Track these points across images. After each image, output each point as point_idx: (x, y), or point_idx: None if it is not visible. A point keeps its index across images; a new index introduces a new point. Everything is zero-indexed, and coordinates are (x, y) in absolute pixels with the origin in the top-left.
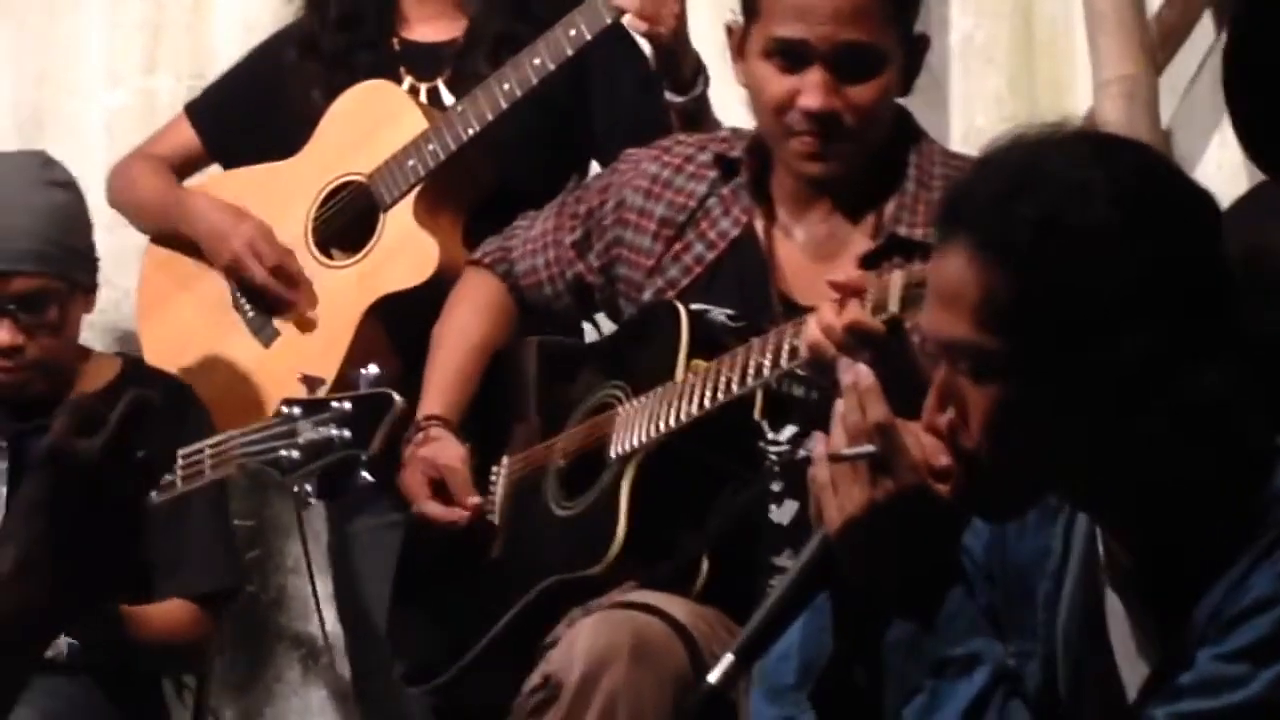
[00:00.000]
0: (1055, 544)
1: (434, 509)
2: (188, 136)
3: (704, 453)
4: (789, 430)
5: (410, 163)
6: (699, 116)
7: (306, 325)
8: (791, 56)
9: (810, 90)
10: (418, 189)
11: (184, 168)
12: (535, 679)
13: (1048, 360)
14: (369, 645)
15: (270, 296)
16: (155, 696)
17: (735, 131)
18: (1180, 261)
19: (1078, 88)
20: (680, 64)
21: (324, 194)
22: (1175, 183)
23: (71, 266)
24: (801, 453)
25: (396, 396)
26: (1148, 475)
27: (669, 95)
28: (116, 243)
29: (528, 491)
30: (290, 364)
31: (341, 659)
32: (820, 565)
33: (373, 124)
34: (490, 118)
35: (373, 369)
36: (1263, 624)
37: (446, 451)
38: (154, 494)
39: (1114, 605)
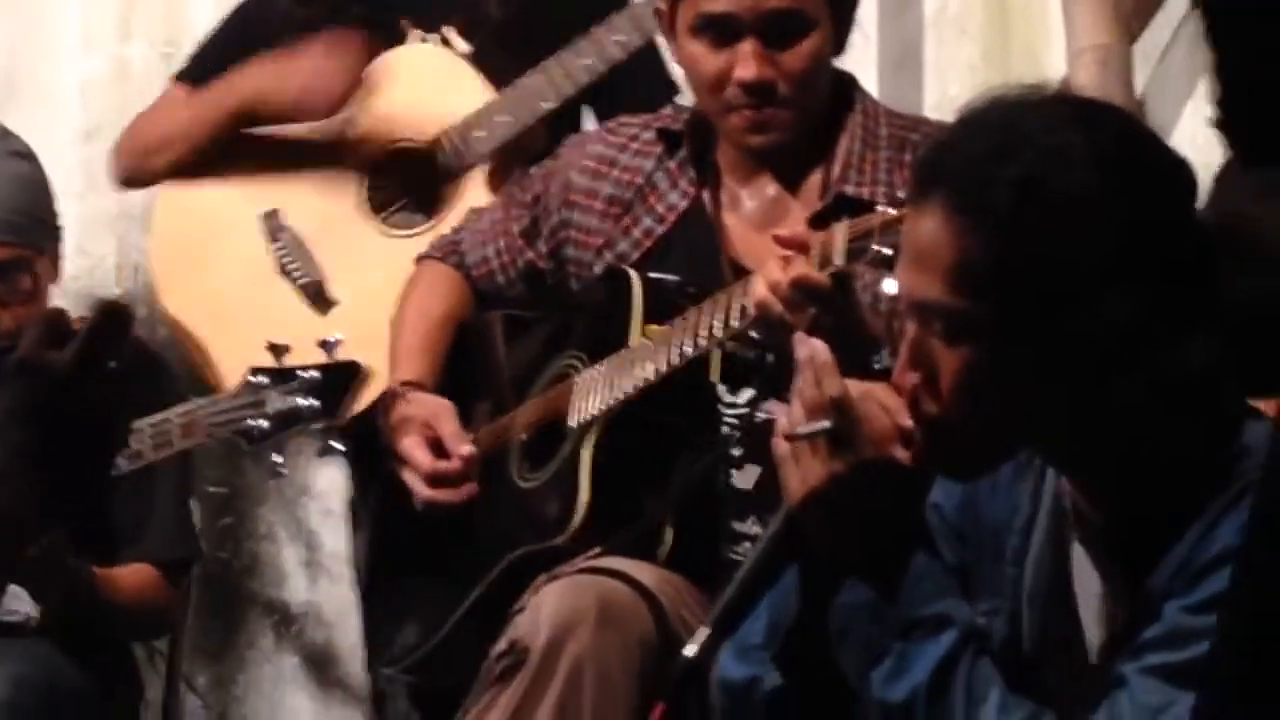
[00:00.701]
0: (1024, 501)
1: (442, 495)
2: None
3: (662, 418)
4: (747, 394)
5: (478, 133)
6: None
7: (368, 294)
8: (720, 30)
9: (743, 62)
10: (492, 159)
11: None
12: (502, 645)
13: (1022, 325)
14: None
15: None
16: (127, 663)
17: (678, 107)
18: (1158, 227)
19: (1051, 56)
20: None
21: (380, 159)
22: (1154, 148)
23: (41, 235)
24: (761, 416)
25: (363, 364)
26: (1123, 441)
27: None
28: (87, 210)
29: (492, 466)
30: (354, 334)
31: (315, 626)
32: (788, 536)
33: (428, 88)
34: (571, 92)
35: (338, 336)
36: (1229, 575)
37: (429, 406)
38: (123, 462)
39: (1081, 561)
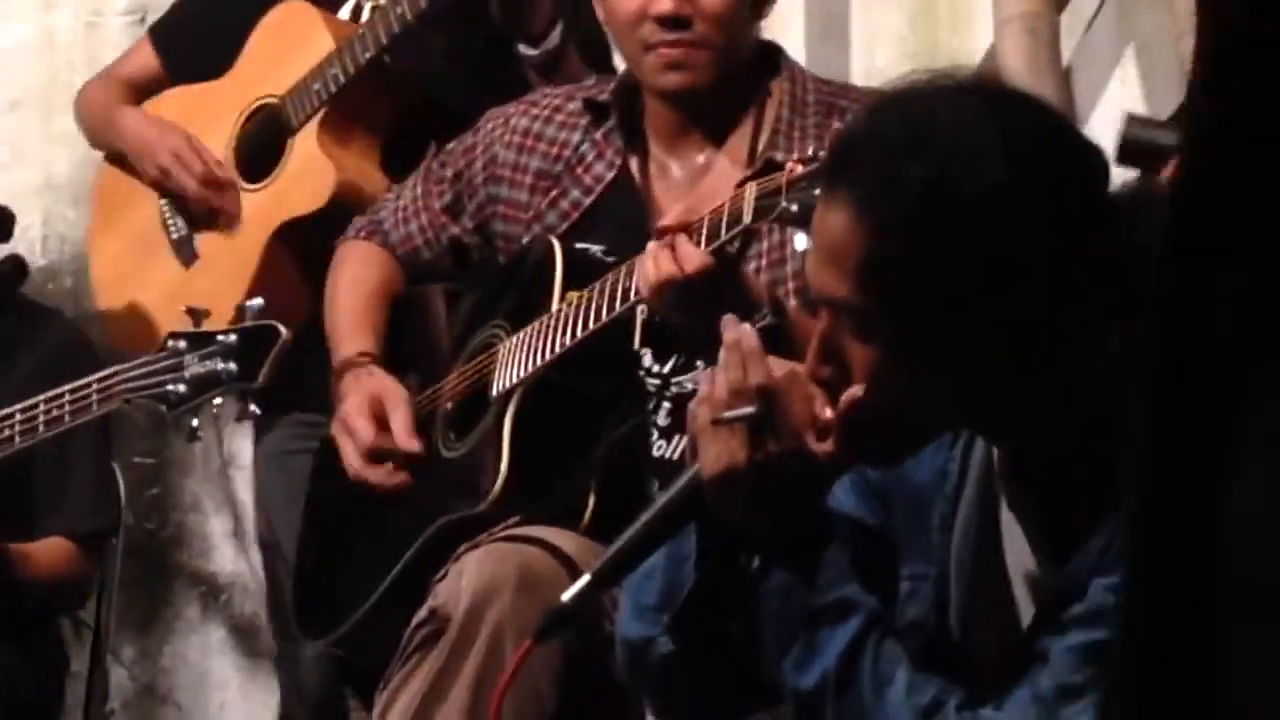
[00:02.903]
0: (953, 466)
1: (374, 474)
2: (148, 58)
3: (584, 385)
4: (671, 362)
5: (315, 86)
6: (554, 70)
7: (223, 248)
8: None
9: None
10: (321, 113)
11: (146, 89)
12: (422, 613)
13: (932, 322)
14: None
15: (200, 206)
16: (51, 636)
17: (602, 77)
18: (1070, 218)
19: (979, 25)
20: (530, 15)
21: (244, 116)
22: (1067, 137)
23: None
24: (690, 386)
25: (282, 328)
26: (1047, 428)
27: (521, 49)
28: (13, 182)
29: (419, 436)
30: (204, 288)
31: (242, 597)
32: (689, 502)
33: (289, 44)
34: (384, 41)
35: (258, 301)
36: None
37: (386, 386)
38: (41, 429)
39: (1012, 530)
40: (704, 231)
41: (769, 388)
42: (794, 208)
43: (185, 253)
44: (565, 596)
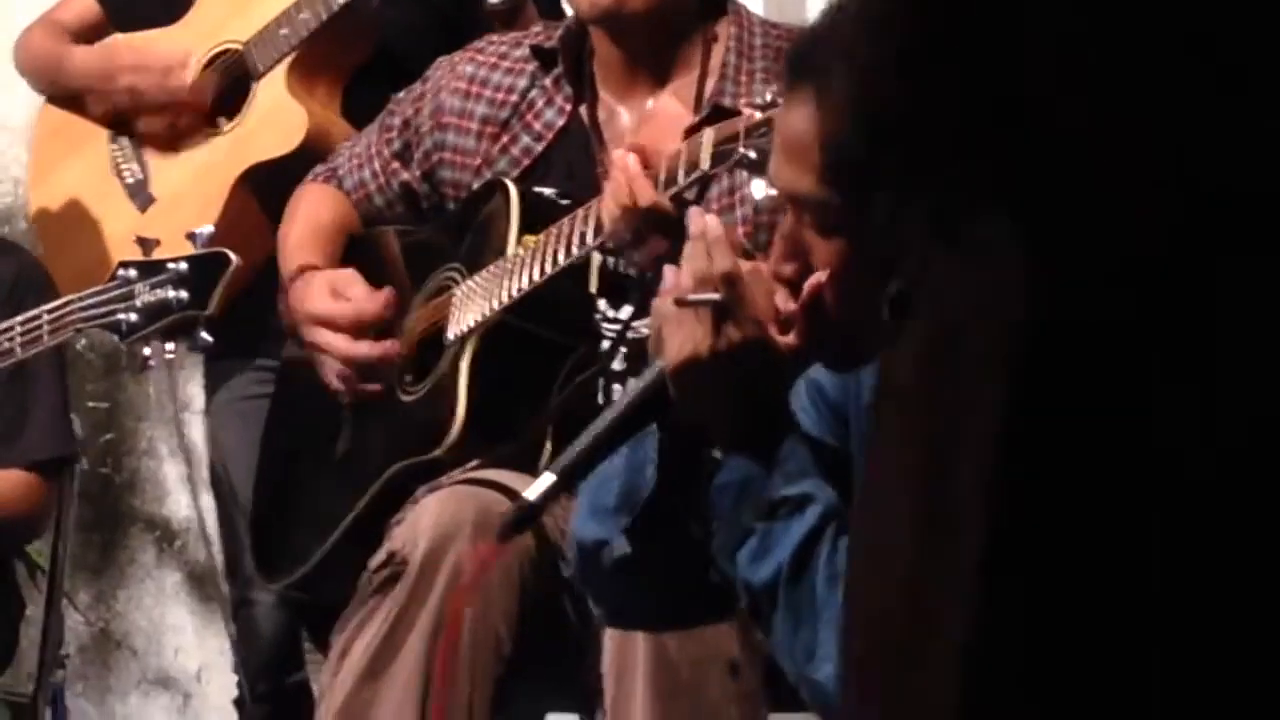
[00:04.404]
0: None
1: (362, 349)
2: (88, 4)
3: (539, 328)
4: (627, 309)
5: (283, 31)
6: (515, 20)
7: (181, 192)
8: None
9: None
10: (290, 58)
11: (86, 36)
12: (380, 556)
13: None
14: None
15: (171, 123)
16: (7, 579)
17: (548, 23)
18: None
19: None
20: None
21: (203, 62)
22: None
23: None
24: (645, 331)
25: (233, 255)
26: None
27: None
28: None
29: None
30: (163, 231)
31: (197, 542)
32: (653, 398)
33: None
34: None
35: (208, 228)
36: None
37: (331, 274)
38: None
39: None
40: (661, 177)
41: (733, 274)
42: (752, 154)
43: (140, 197)
44: (529, 494)
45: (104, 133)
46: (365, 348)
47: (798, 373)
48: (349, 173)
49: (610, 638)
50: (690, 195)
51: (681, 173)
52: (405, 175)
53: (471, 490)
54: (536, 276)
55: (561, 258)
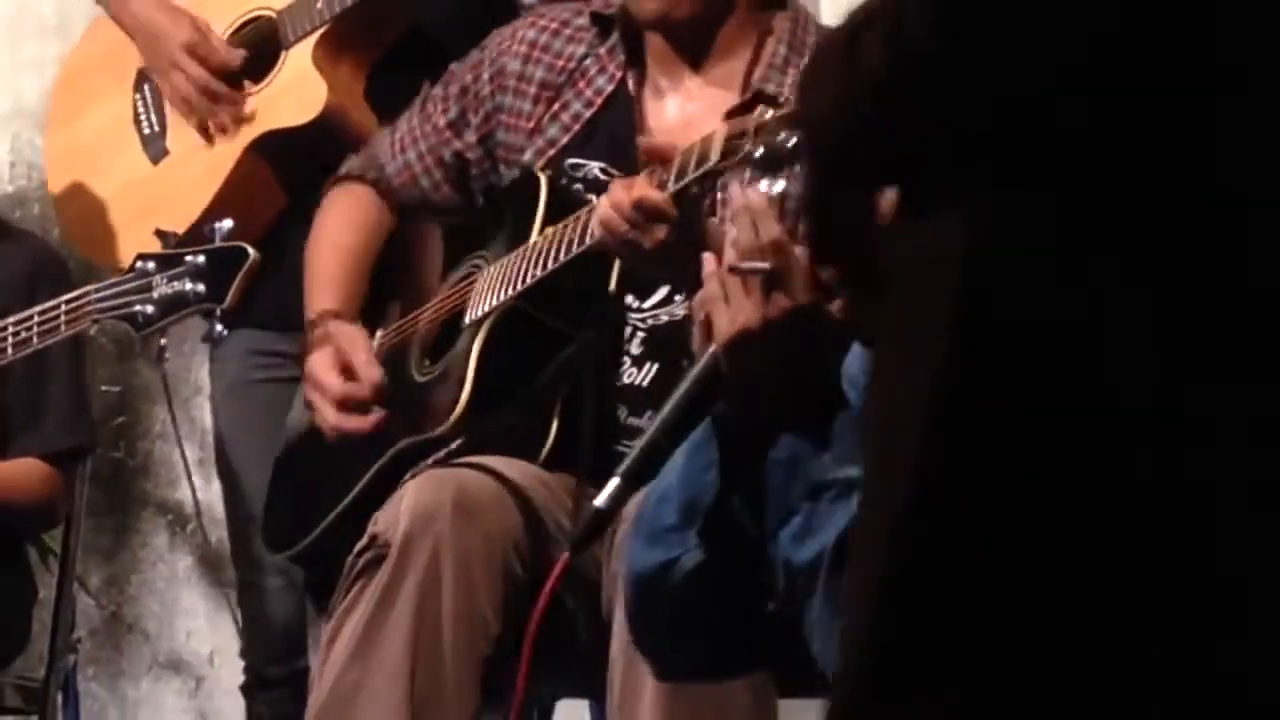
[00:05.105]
0: None
1: (350, 423)
2: None
3: (548, 317)
4: (654, 298)
5: (319, 4)
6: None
7: (194, 150)
8: None
9: None
10: (321, 30)
11: None
12: (364, 540)
13: None
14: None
15: (208, 98)
16: (20, 563)
17: None
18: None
19: None
20: None
21: (235, 26)
22: None
23: None
24: (664, 318)
25: (250, 249)
26: None
27: None
28: None
29: (395, 362)
30: (171, 186)
31: (210, 525)
32: (706, 387)
33: None
34: None
35: (227, 223)
36: None
37: (345, 333)
38: (10, 351)
39: None
40: (674, 168)
41: (780, 242)
42: (759, 152)
43: (154, 148)
44: (598, 500)
45: (131, 79)
46: (352, 422)
47: (849, 344)
48: (392, 158)
49: (619, 623)
50: (696, 189)
51: (691, 166)
52: (458, 144)
53: (451, 472)
54: (550, 264)
55: (575, 247)
